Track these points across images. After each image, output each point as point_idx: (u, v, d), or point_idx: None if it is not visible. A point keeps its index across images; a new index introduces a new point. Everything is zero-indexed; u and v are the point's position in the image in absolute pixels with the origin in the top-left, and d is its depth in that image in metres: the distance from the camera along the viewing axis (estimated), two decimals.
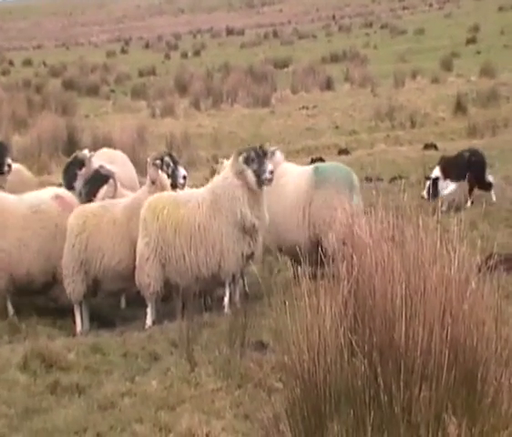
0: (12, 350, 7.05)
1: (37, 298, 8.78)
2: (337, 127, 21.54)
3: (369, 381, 4.13)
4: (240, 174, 7.60)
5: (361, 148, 17.84)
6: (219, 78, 33.54)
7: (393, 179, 13.21)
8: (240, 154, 7.69)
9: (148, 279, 7.76)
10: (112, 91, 35.71)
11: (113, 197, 8.51)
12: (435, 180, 11.16)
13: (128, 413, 5.74)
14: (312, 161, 15.80)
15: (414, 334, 4.10)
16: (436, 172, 11.27)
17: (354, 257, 4.42)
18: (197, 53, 52.19)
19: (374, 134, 19.94)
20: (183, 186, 8.23)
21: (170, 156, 8.35)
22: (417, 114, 21.47)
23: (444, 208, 10.36)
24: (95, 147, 19.19)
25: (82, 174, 8.91)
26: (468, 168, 11.18)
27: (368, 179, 12.99)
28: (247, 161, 7.60)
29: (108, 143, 18.95)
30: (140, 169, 16.80)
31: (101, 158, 9.69)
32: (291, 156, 16.90)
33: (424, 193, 11.12)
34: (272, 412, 4.63)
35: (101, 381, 6.45)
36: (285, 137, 20.31)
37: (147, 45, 63.30)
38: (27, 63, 50.41)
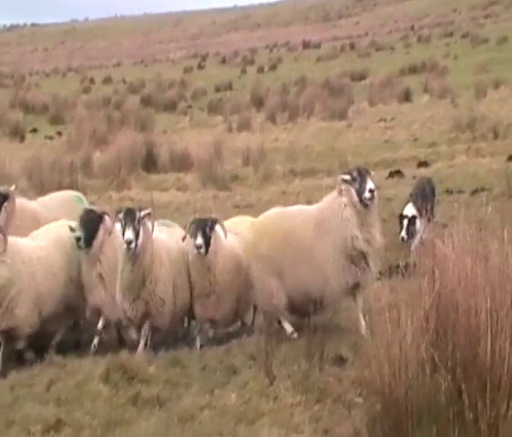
0: (95, 363, 7.22)
1: None
2: (416, 140, 21.27)
3: (452, 398, 4.07)
4: (344, 193, 7.52)
5: (441, 161, 17.55)
6: (295, 92, 33.67)
7: (474, 192, 12.96)
8: (344, 173, 7.65)
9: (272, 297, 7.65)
10: (189, 107, 36.31)
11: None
12: None
13: (207, 426, 5.81)
14: (391, 174, 15.69)
15: (500, 350, 4.02)
16: None
17: (436, 270, 4.37)
18: (273, 67, 52.54)
19: (455, 145, 19.59)
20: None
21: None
22: (500, 125, 20.97)
23: None
24: (172, 163, 19.78)
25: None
26: None
27: (449, 192, 12.77)
28: (350, 180, 7.52)
29: (186, 158, 19.35)
30: (218, 185, 17.14)
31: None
32: (369, 169, 16.80)
33: None
34: (352, 428, 4.61)
35: (181, 394, 6.54)
36: (362, 150, 20.20)
37: (223, 61, 64.12)
38: (107, 80, 51.77)
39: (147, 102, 36.05)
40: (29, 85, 49.78)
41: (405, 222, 9.73)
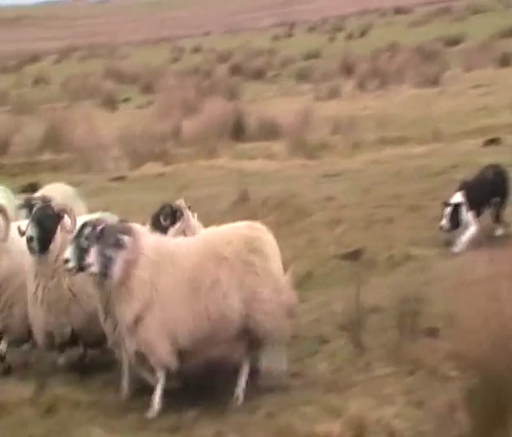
0: None
1: None
2: None
3: None
4: None
5: None
6: (386, 59, 33.03)
7: None
8: None
9: None
10: (277, 75, 36.16)
11: None
12: None
13: (297, 395, 5.81)
14: (488, 142, 15.17)
15: None
16: None
17: None
18: (363, 33, 51.72)
19: None
20: None
21: None
22: None
23: None
24: (261, 131, 19.76)
25: None
26: None
27: None
28: None
29: (274, 127, 19.30)
30: (306, 153, 17.02)
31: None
32: (463, 136, 16.35)
33: None
34: (447, 401, 4.50)
35: None
36: (456, 117, 19.62)
37: (312, 28, 63.51)
38: (197, 50, 52.15)
39: (235, 71, 36.12)
40: (121, 55, 50.71)
41: (448, 210, 9.01)
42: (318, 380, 6.03)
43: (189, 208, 7.02)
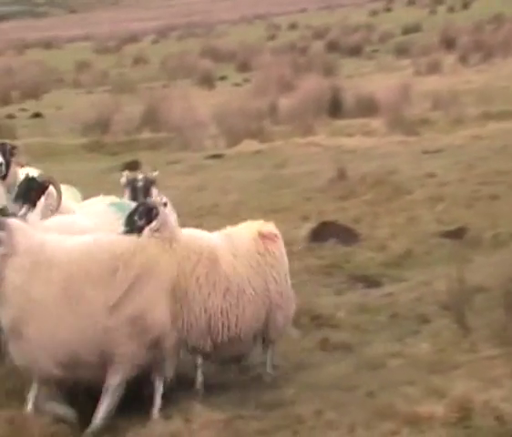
0: None
1: None
2: None
3: None
4: None
5: None
6: (490, 31, 31.96)
7: None
8: None
9: None
10: (375, 50, 35.57)
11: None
12: None
13: (398, 375, 5.69)
14: None
15: None
16: None
17: None
18: (465, 5, 50.16)
19: None
20: None
21: None
22: None
23: None
24: (358, 108, 19.48)
25: None
26: None
27: None
28: None
29: (372, 103, 18.99)
30: (406, 129, 16.67)
31: None
32: None
33: None
34: None
35: (369, 341, 6.47)
36: None
37: (411, 2, 62.05)
38: (293, 26, 51.85)
39: (332, 47, 35.72)
40: (218, 34, 51.06)
41: None
42: (419, 360, 5.89)
43: (165, 204, 6.73)
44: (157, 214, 5.56)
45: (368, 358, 6.08)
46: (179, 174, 13.33)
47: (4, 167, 6.86)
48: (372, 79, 24.55)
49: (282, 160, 13.75)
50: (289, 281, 6.02)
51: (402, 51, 32.34)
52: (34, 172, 7.04)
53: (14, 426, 5.07)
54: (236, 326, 5.61)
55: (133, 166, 13.51)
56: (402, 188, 11.10)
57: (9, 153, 7.13)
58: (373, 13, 55.49)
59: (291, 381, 5.84)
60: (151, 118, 18.18)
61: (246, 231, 5.93)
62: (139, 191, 6.44)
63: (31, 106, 24.62)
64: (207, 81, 27.38)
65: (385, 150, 14.12)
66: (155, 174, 6.78)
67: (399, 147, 14.56)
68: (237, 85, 27.14)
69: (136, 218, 5.55)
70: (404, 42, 34.74)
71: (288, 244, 8.92)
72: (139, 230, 5.48)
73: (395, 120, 16.82)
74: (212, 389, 5.79)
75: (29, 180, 6.36)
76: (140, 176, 6.52)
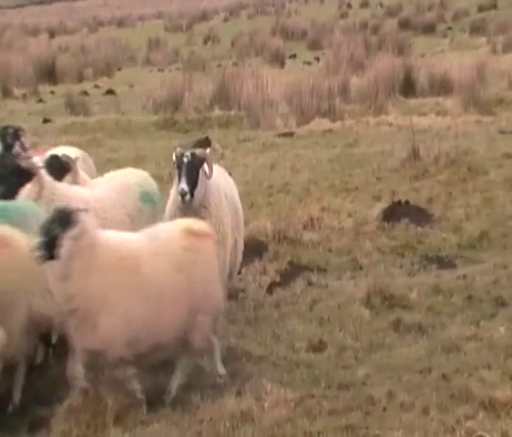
0: (355, 286, 7.22)
1: None
2: None
3: None
4: None
5: None
6: None
7: None
8: None
9: None
10: (449, 28, 34.87)
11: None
12: None
13: (473, 358, 5.58)
14: None
15: None
16: None
17: None
18: None
19: None
20: None
21: None
22: None
23: None
24: (431, 87, 19.10)
25: None
26: None
27: None
28: None
29: (446, 82, 18.60)
30: (481, 109, 16.26)
31: None
32: None
33: None
34: None
35: (444, 323, 6.37)
36: None
37: None
38: (364, 5, 51.15)
39: (404, 25, 35.17)
40: (289, 11, 50.80)
41: None
42: (496, 344, 5.75)
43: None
44: (76, 221, 5.07)
45: (442, 340, 5.98)
46: (251, 152, 13.33)
47: None
48: (446, 58, 24.01)
49: (354, 139, 13.60)
50: (218, 282, 5.68)
51: (477, 29, 31.68)
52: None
53: (88, 398, 5.17)
54: (157, 332, 5.26)
55: (204, 143, 13.63)
56: (477, 168, 10.83)
57: (12, 137, 7.12)
58: None
59: (363, 361, 5.79)
60: (222, 96, 18.20)
61: (174, 227, 5.62)
62: (185, 168, 6.06)
63: (104, 83, 25.07)
64: (277, 59, 27.34)
65: (460, 130, 13.83)
66: (207, 151, 6.43)
67: (474, 127, 14.24)
68: (308, 63, 26.99)
69: (52, 225, 5.04)
70: (479, 19, 33.94)
71: (360, 224, 9.01)
72: (55, 239, 4.99)
73: (470, 99, 16.44)
74: (281, 367, 5.80)
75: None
76: (188, 152, 6.24)
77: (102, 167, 10.85)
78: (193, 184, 5.98)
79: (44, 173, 6.12)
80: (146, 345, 5.25)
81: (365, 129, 14.46)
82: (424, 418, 4.90)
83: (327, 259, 8.10)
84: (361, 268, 7.84)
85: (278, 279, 7.55)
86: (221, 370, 5.67)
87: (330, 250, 8.34)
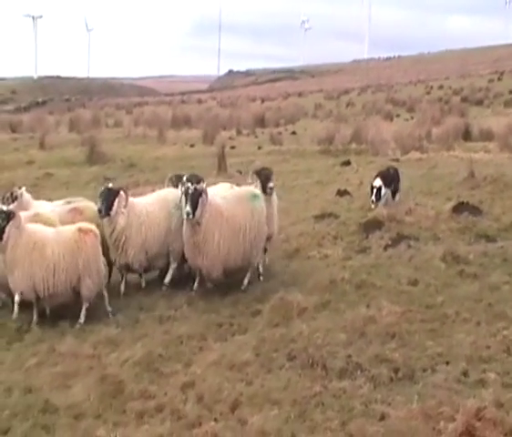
0: (436, 249, 6.63)
1: None
2: None
3: None
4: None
5: None
6: None
7: None
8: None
9: None
10: (491, 103, 31.10)
11: None
12: None
13: (508, 294, 5.10)
14: None
15: None
16: None
17: None
18: None
19: None
20: None
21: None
22: None
23: None
24: (481, 136, 17.37)
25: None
26: None
27: None
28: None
29: (490, 133, 16.95)
30: (510, 149, 14.52)
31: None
32: None
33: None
34: None
35: (489, 274, 5.77)
36: None
37: None
38: (440, 87, 46.62)
39: (464, 99, 31.78)
40: (395, 90, 47.64)
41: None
42: None
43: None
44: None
45: (488, 283, 5.48)
46: (372, 170, 12.90)
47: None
48: (489, 120, 21.62)
49: (434, 165, 12.71)
50: (100, 261, 5.31)
51: (509, 103, 28.04)
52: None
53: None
54: (53, 286, 5.16)
55: (346, 163, 13.45)
56: (509, 183, 9.82)
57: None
58: (490, 80, 48.37)
59: (441, 293, 5.39)
60: (357, 137, 17.76)
61: (72, 227, 5.30)
62: (189, 197, 5.39)
63: (290, 127, 25.07)
64: (389, 117, 25.97)
65: (498, 162, 12.50)
66: (204, 185, 5.59)
67: (507, 160, 12.80)
68: (406, 120, 25.36)
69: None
70: (510, 98, 29.96)
71: (438, 213, 8.44)
72: (2, 230, 4.99)
73: (505, 144, 14.81)
74: (393, 293, 5.43)
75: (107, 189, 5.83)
76: (192, 186, 5.45)
77: (288, 175, 11.21)
78: (195, 207, 5.43)
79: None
80: (44, 294, 5.19)
81: (441, 159, 13.51)
82: (478, 327, 4.63)
83: (419, 232, 7.69)
84: (439, 239, 7.37)
85: (389, 243, 7.28)
86: None
87: (420, 228, 7.88)
